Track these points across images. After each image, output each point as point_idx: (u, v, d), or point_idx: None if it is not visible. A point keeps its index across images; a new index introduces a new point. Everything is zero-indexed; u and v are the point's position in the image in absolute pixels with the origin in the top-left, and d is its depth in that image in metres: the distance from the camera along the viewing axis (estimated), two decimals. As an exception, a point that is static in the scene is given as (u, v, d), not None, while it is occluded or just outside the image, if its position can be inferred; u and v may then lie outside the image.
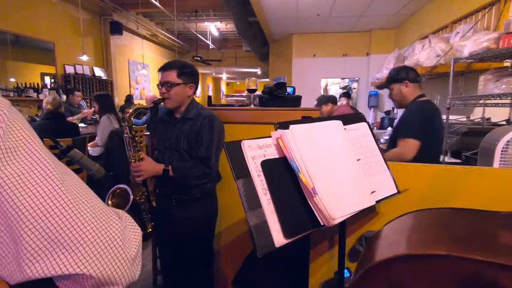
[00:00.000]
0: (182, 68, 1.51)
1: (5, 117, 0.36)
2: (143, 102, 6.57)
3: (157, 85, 1.55)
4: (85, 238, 0.37)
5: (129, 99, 6.93)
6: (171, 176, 1.48)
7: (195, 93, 1.59)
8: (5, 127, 0.36)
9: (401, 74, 1.89)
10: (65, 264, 0.36)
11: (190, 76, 1.54)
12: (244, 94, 2.43)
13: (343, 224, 1.02)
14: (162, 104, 1.54)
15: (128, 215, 0.48)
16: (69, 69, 5.69)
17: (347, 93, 4.56)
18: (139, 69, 8.34)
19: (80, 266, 0.36)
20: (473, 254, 0.49)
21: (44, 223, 0.35)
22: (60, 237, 0.36)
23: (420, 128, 1.74)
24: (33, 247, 0.34)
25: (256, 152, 0.85)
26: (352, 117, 1.09)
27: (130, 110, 1.43)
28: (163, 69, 1.53)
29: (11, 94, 4.55)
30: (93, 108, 3.24)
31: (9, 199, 0.34)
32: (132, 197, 1.37)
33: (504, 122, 2.51)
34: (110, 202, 1.36)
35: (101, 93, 3.53)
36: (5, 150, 0.35)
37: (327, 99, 3.79)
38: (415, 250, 0.54)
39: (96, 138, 3.24)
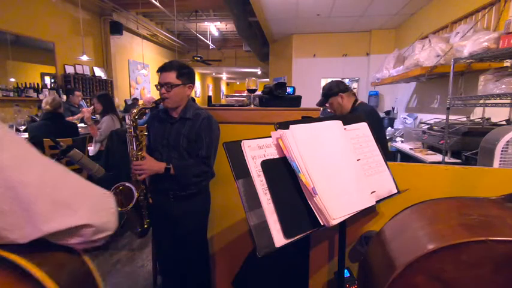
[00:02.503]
0: (181, 68, 1.55)
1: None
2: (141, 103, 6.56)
3: (156, 86, 1.58)
4: (83, 199, 0.51)
5: (134, 102, 6.93)
6: (171, 174, 1.52)
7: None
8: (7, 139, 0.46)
9: (334, 89, 2.14)
10: (75, 218, 0.49)
11: (188, 77, 1.58)
12: (244, 94, 2.43)
13: (343, 224, 1.03)
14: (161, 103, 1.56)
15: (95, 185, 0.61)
16: (69, 69, 5.69)
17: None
18: (139, 69, 8.33)
19: (85, 219, 0.50)
20: (504, 236, 0.54)
21: (52, 192, 0.47)
22: (66, 200, 0.49)
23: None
24: (46, 208, 0.46)
25: (256, 152, 0.85)
26: (352, 118, 1.10)
27: (135, 110, 1.50)
28: (162, 70, 1.55)
29: (11, 94, 4.54)
30: (92, 107, 3.22)
31: (19, 181, 0.44)
32: (136, 194, 1.39)
33: (504, 122, 2.51)
34: None
35: (103, 93, 3.51)
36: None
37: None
38: (454, 239, 0.57)
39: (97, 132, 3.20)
